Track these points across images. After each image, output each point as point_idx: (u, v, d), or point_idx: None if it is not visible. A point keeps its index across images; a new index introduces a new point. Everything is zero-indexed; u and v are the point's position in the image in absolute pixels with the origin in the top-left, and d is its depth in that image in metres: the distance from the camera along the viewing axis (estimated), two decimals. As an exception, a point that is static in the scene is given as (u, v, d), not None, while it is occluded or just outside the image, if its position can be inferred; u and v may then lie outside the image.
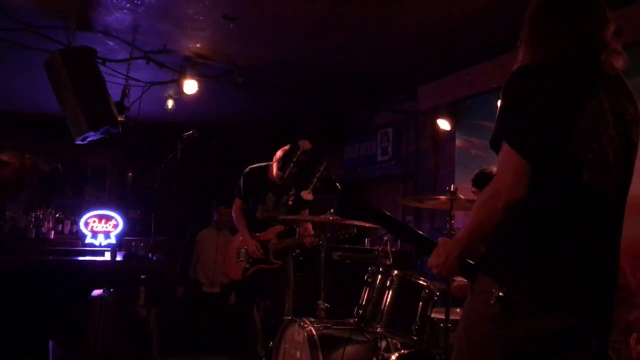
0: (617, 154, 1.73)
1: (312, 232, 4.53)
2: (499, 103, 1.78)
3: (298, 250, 6.64)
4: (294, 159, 2.06)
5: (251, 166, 4.83)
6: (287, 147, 4.31)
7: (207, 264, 6.50)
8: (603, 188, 1.71)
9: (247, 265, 4.74)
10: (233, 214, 4.94)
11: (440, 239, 1.87)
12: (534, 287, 1.69)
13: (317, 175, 2.04)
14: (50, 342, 5.63)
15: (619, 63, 1.81)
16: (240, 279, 4.80)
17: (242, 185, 4.83)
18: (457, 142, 6.01)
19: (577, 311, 1.69)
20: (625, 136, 1.77)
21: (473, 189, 3.99)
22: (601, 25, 1.81)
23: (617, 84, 1.82)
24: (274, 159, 4.55)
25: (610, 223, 1.78)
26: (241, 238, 4.85)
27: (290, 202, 4.68)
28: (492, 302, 1.69)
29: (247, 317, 4.82)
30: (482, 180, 3.81)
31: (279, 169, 2.12)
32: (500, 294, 1.68)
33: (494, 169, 1.89)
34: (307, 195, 2.33)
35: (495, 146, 1.76)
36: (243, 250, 4.79)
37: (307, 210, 4.76)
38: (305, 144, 2.08)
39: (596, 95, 1.72)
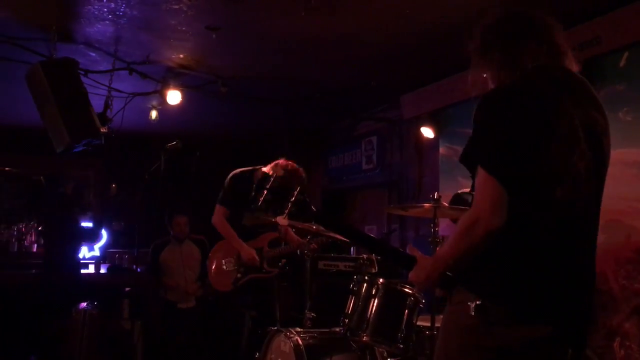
0: (588, 167, 1.75)
1: (301, 240, 4.36)
2: (472, 121, 1.80)
3: (284, 260, 6.62)
4: (267, 186, 2.05)
5: (237, 170, 4.55)
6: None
7: (178, 283, 5.99)
8: (576, 202, 1.74)
9: (239, 275, 4.47)
10: (216, 222, 4.60)
11: (419, 256, 1.88)
12: (510, 299, 1.71)
13: (291, 200, 2.04)
14: (32, 357, 5.56)
15: (576, 68, 1.86)
16: (230, 290, 4.53)
17: (229, 190, 4.51)
18: (441, 150, 6.04)
19: (552, 321, 1.71)
20: (596, 148, 1.79)
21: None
22: (556, 38, 1.87)
23: (584, 93, 1.84)
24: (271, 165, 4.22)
25: (583, 235, 1.81)
26: (226, 246, 4.61)
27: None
28: (472, 312, 1.71)
29: (240, 328, 4.59)
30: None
31: (251, 197, 2.08)
32: (478, 302, 1.70)
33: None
34: (282, 220, 2.33)
35: (467, 162, 1.79)
36: (232, 258, 4.54)
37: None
38: (278, 170, 2.08)
39: (567, 113, 1.74)
